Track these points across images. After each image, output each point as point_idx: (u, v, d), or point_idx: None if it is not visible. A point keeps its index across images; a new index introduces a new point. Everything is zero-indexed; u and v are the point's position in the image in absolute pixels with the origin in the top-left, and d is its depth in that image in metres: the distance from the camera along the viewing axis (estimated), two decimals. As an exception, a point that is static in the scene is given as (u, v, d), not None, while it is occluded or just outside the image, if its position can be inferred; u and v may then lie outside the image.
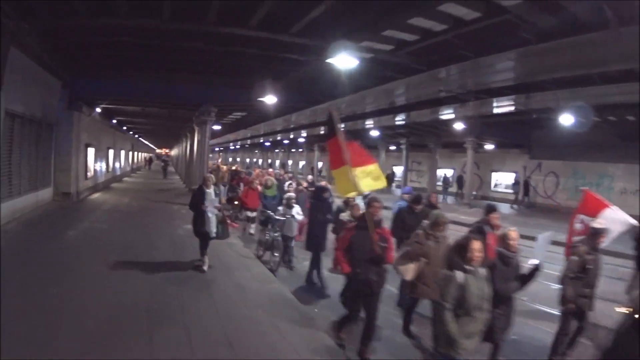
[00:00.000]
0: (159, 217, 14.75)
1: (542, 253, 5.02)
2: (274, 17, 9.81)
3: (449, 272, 4.01)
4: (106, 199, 18.90)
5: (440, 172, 30.22)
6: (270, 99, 15.02)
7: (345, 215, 7.62)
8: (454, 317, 3.90)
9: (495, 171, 31.08)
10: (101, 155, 23.88)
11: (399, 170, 34.39)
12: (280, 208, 9.53)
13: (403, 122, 24.11)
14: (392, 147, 34.55)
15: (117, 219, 13.83)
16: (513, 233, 4.95)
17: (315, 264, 8.31)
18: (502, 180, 30.48)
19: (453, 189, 29.61)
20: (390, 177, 31.98)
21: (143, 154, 61.64)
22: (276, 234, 9.24)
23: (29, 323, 5.17)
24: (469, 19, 8.95)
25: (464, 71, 12.59)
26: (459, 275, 3.92)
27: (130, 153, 40.99)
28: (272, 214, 9.53)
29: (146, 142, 60.41)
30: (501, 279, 4.66)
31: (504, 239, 4.95)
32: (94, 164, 21.55)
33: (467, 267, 3.97)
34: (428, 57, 11.71)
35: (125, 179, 33.24)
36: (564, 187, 25.57)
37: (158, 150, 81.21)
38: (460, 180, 28.65)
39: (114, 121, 26.67)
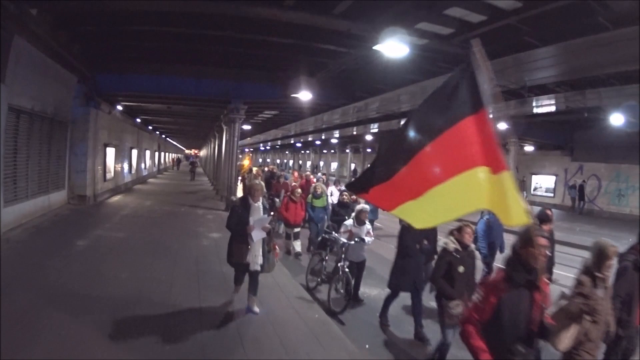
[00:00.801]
0: (182, 224, 13.29)
1: None
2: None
3: None
4: (127, 202, 17.80)
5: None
6: (304, 95, 13.62)
7: (449, 243, 5.10)
8: None
9: (535, 174, 29.63)
10: (123, 155, 22.90)
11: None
12: (347, 223, 7.41)
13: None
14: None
15: (135, 225, 12.56)
16: None
17: (417, 311, 6.15)
18: (543, 183, 29.24)
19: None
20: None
21: (171, 154, 61.26)
22: (343, 263, 7.01)
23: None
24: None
25: (522, 64, 11.60)
26: None
27: (157, 153, 40.25)
28: (337, 235, 7.42)
29: (174, 143, 60.12)
30: None
31: None
32: (115, 165, 20.55)
33: None
34: (487, 46, 10.05)
35: (151, 180, 32.38)
36: (605, 190, 24.42)
37: (187, 151, 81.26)
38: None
39: (138, 120, 25.79)
